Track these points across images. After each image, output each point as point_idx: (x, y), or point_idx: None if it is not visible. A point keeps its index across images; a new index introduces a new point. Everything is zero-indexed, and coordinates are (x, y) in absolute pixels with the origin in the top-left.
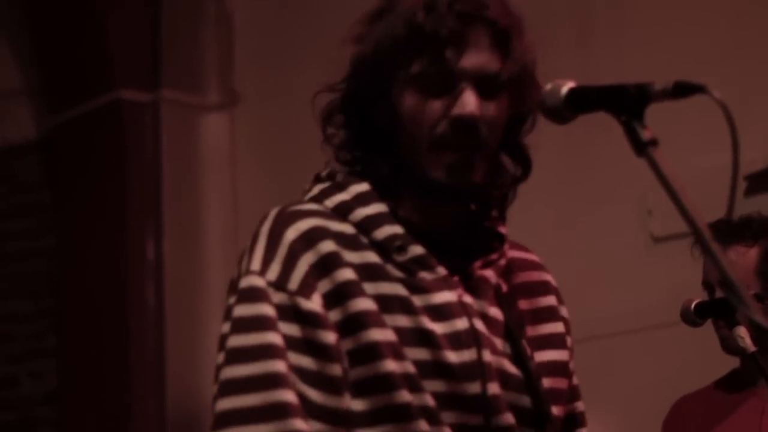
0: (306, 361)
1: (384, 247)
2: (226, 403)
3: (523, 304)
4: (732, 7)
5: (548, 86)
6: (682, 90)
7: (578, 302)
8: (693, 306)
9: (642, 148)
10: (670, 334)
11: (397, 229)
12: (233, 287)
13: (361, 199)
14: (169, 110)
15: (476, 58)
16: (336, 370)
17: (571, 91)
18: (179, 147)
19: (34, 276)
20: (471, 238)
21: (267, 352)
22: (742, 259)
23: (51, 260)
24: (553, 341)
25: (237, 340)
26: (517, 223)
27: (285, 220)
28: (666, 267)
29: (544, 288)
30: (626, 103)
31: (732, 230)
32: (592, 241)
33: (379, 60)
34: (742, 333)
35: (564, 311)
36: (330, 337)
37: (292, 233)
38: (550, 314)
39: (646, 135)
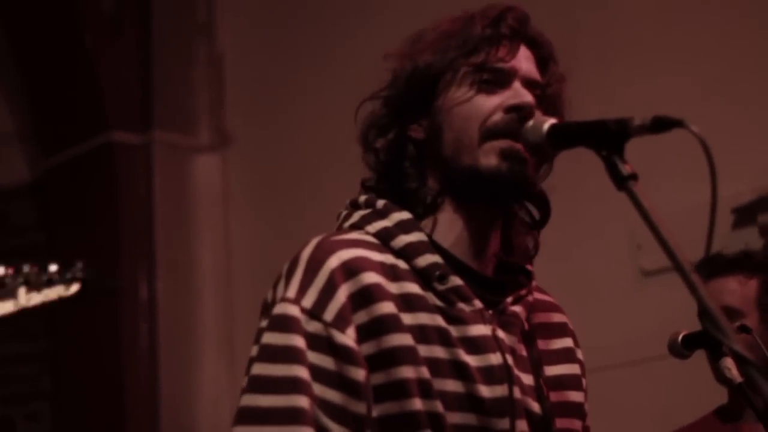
0: (333, 395)
1: (425, 275)
2: (243, 431)
3: (541, 344)
4: (718, 42)
5: (530, 123)
6: (661, 125)
7: None
8: (680, 338)
9: (622, 182)
10: (661, 367)
11: (437, 258)
12: (266, 311)
13: (402, 227)
14: (161, 151)
15: (525, 65)
16: (361, 408)
17: (553, 127)
18: (171, 188)
19: (29, 318)
20: (501, 272)
21: (291, 385)
22: (743, 287)
23: None
24: (569, 382)
25: (262, 369)
26: None
27: (327, 248)
28: (656, 300)
29: (562, 330)
30: (607, 139)
31: (733, 260)
32: (583, 275)
33: (431, 66)
34: (729, 364)
35: (580, 354)
36: (360, 374)
37: (333, 261)
38: (567, 356)
39: (626, 169)
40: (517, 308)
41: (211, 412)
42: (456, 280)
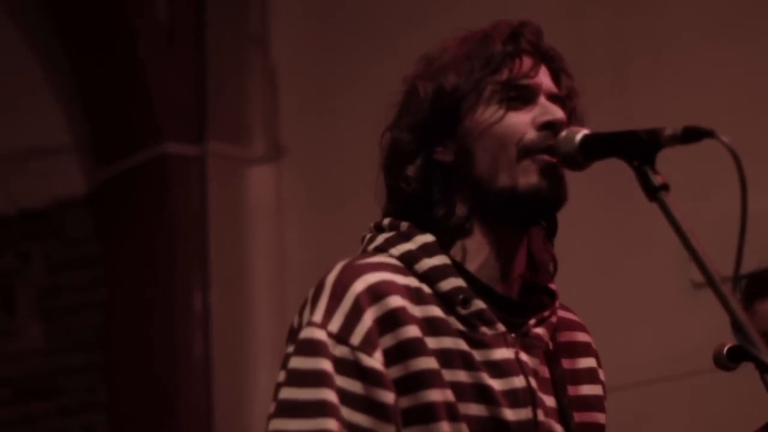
0: (362, 419)
1: (448, 299)
2: None
3: (566, 363)
4: None
5: (563, 134)
6: (692, 135)
7: (619, 348)
8: (725, 350)
9: (653, 192)
10: (712, 380)
11: (460, 281)
12: (292, 336)
13: (426, 250)
14: (215, 163)
15: (546, 79)
16: (390, 431)
17: (585, 137)
18: (225, 199)
19: (85, 329)
20: (525, 293)
21: (320, 409)
22: None
23: (101, 313)
24: (594, 403)
25: (290, 393)
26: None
27: (352, 272)
28: (707, 313)
29: (586, 350)
30: (638, 149)
31: None
32: (633, 288)
33: (458, 88)
34: None
35: (602, 375)
36: (389, 396)
37: (359, 285)
38: (591, 376)
39: (657, 180)
40: (540, 330)
41: (265, 423)
42: (479, 304)
